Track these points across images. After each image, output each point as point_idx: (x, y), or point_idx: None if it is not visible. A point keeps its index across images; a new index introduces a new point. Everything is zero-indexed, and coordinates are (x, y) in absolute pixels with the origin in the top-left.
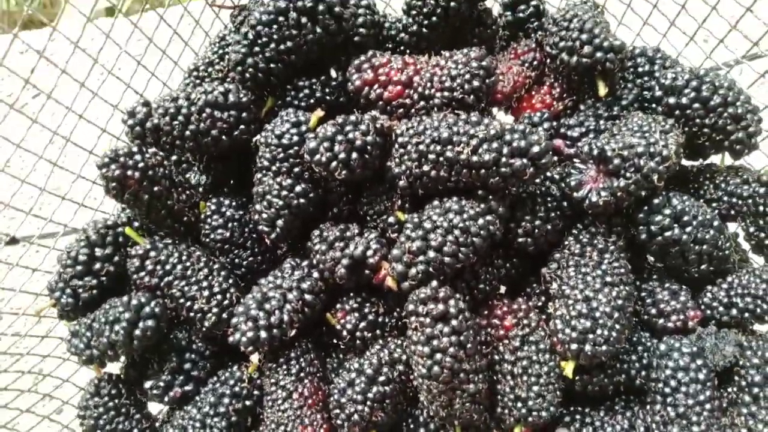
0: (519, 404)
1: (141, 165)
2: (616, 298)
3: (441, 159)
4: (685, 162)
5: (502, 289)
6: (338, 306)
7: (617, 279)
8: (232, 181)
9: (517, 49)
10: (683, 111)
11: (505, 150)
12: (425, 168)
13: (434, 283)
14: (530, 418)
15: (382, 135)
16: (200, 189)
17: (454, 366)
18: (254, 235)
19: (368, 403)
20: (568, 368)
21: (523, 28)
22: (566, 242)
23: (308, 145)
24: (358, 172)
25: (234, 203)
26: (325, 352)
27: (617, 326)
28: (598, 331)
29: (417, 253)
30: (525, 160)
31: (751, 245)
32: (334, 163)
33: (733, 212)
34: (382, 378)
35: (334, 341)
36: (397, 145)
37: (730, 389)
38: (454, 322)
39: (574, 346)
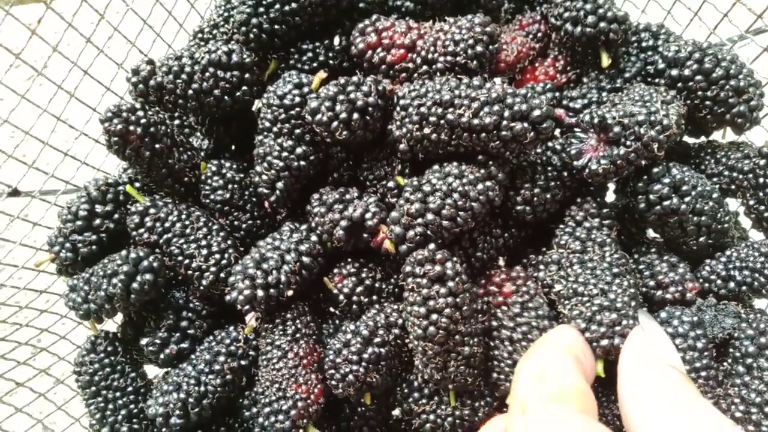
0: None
1: (143, 121)
2: (628, 287)
3: (442, 122)
4: (686, 139)
5: (501, 262)
6: (336, 270)
7: (623, 269)
8: (234, 147)
9: (522, 21)
10: (685, 83)
11: (506, 113)
12: (426, 131)
13: (432, 245)
14: None
15: (383, 97)
16: (202, 153)
17: (449, 327)
18: (254, 199)
19: (363, 363)
20: (599, 367)
21: (528, 1)
22: (562, 241)
23: (310, 105)
24: (359, 133)
25: (235, 166)
26: (322, 319)
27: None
28: (624, 322)
29: (415, 215)
30: (525, 124)
31: (751, 219)
32: (335, 123)
33: (733, 187)
34: (377, 339)
35: (332, 309)
36: (398, 108)
37: (726, 363)
38: (450, 284)
39: (604, 342)
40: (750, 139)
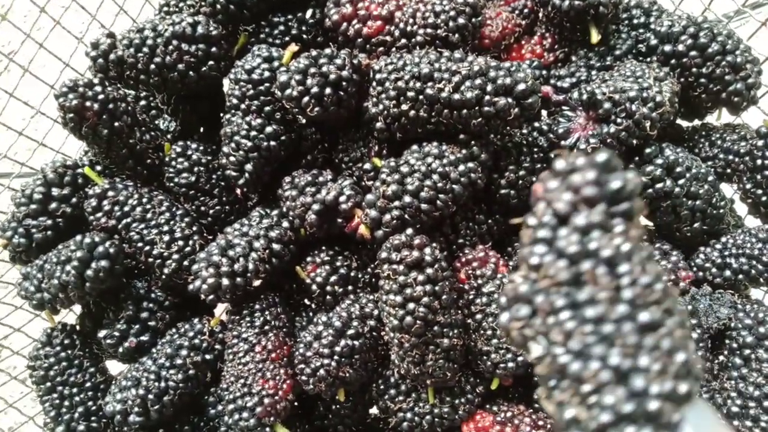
0: (484, 357)
1: (101, 97)
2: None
3: (420, 97)
4: (680, 122)
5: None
6: (309, 259)
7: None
8: (202, 129)
9: None
10: (679, 59)
11: (489, 87)
12: (404, 107)
13: (409, 230)
14: (498, 371)
15: (359, 72)
16: (169, 136)
17: (427, 317)
18: (222, 183)
19: (335, 357)
20: None
21: None
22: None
23: (279, 79)
24: (332, 110)
25: (202, 148)
26: (295, 312)
27: None
28: None
29: (392, 198)
30: (509, 99)
31: (747, 204)
32: (306, 99)
33: (729, 171)
34: (351, 331)
35: (305, 301)
36: (374, 83)
37: (721, 356)
38: (429, 271)
39: None
40: (746, 122)
